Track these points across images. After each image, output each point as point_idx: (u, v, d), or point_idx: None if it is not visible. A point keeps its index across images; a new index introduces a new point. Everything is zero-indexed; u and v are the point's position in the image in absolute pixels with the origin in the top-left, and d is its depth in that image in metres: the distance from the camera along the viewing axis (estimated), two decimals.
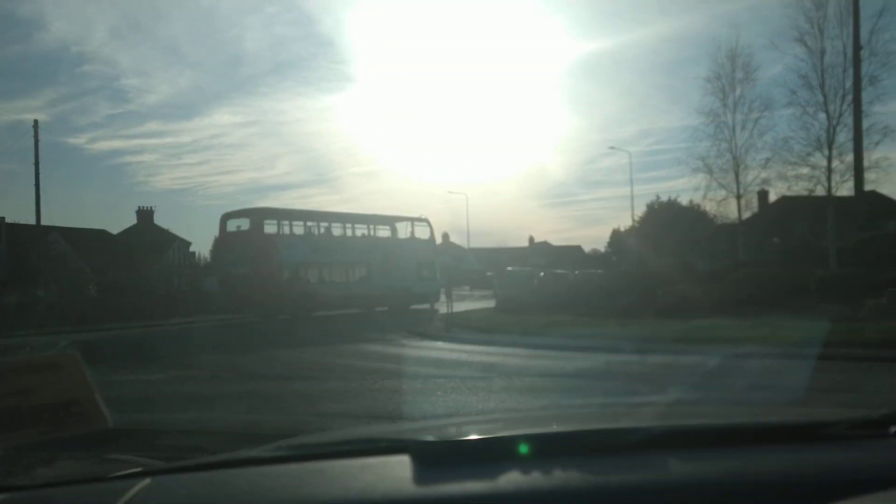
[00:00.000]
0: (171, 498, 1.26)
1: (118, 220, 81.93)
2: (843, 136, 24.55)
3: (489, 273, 49.57)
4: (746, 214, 31.09)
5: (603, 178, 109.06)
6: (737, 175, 28.63)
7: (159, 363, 12.94)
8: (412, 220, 32.09)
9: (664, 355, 11.41)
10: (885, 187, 30.52)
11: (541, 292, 28.07)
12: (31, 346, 15.63)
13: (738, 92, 28.81)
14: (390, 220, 31.74)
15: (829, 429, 1.48)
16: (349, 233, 29.44)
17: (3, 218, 34.55)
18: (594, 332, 14.19)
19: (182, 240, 53.37)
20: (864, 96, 24.03)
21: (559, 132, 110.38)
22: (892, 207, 36.33)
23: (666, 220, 43.37)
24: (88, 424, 1.41)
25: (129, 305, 27.82)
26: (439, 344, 15.31)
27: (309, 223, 28.25)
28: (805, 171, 25.31)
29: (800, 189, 26.12)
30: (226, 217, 27.63)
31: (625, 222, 66.17)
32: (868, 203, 26.76)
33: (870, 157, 24.33)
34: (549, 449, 1.32)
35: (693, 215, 39.84)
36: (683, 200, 44.12)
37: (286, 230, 27.16)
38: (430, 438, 1.42)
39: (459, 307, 23.39)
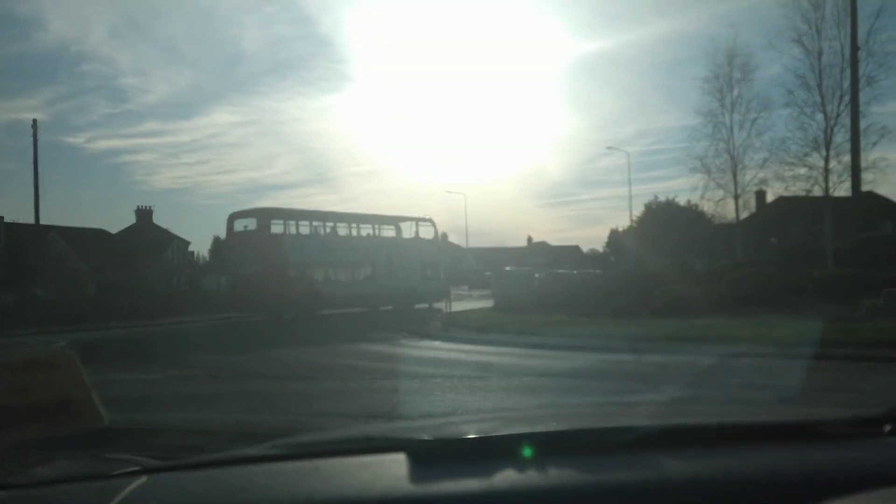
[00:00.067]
0: (166, 496, 1.26)
1: (117, 220, 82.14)
2: (841, 137, 24.66)
3: (487, 273, 49.51)
4: (744, 214, 31.19)
5: (601, 178, 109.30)
6: (734, 175, 28.71)
7: (158, 362, 12.92)
8: (417, 220, 32.22)
9: (661, 355, 11.41)
10: (882, 188, 30.64)
11: (539, 292, 28.05)
12: (30, 345, 15.61)
13: (735, 92, 28.93)
14: (395, 220, 31.87)
15: (823, 427, 1.48)
16: (354, 232, 29.56)
17: (2, 217, 34.58)
18: (592, 332, 14.19)
19: (181, 239, 53.35)
20: (862, 97, 24.15)
21: (557, 132, 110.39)
22: (889, 208, 36.39)
23: (664, 220, 43.41)
24: (85, 423, 1.41)
25: (127, 305, 27.82)
26: (438, 343, 15.30)
27: (315, 223, 28.40)
28: (802, 171, 25.42)
29: (797, 189, 26.22)
30: (233, 217, 27.73)
31: (623, 222, 66.37)
32: (865, 203, 26.80)
33: (867, 157, 24.46)
34: (544, 447, 1.32)
35: (691, 215, 39.86)
36: (681, 200, 44.26)
37: (293, 230, 27.30)
38: (427, 437, 1.42)
39: (458, 307, 23.40)
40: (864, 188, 25.28)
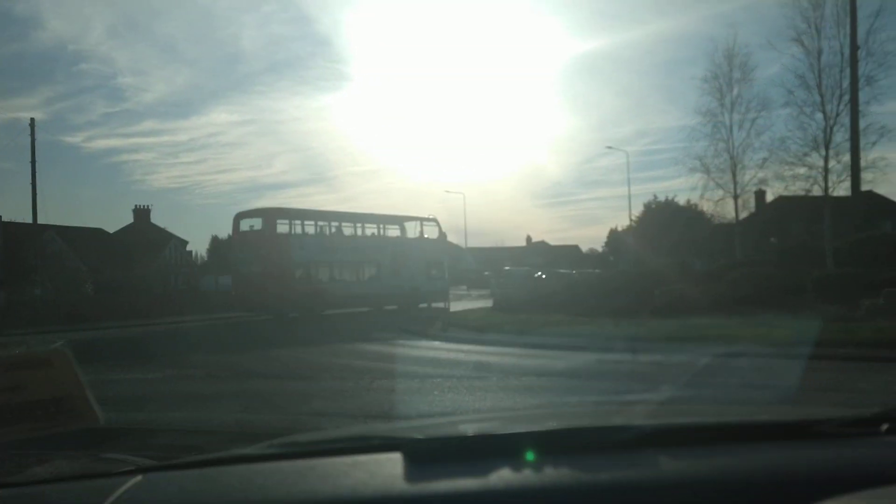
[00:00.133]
0: (162, 495, 1.26)
1: (115, 219, 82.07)
2: (840, 136, 24.66)
3: (486, 272, 49.53)
4: (743, 214, 31.19)
5: (600, 178, 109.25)
6: (734, 175, 28.71)
7: (156, 362, 12.91)
8: (421, 219, 32.26)
9: (660, 354, 11.41)
10: (881, 187, 30.69)
11: (538, 292, 28.06)
12: (28, 345, 15.59)
13: (735, 92, 28.91)
14: (400, 220, 31.89)
15: (821, 427, 1.48)
16: (359, 232, 29.62)
17: (0, 216, 34.52)
18: (591, 332, 14.19)
19: (179, 238, 53.33)
20: (861, 96, 24.14)
21: (556, 132, 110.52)
22: (888, 207, 36.42)
23: (663, 219, 43.42)
24: (79, 421, 1.41)
25: (125, 304, 27.83)
26: (436, 343, 15.30)
27: (320, 223, 28.46)
28: (802, 171, 25.41)
29: (797, 189, 26.22)
30: (239, 217, 27.82)
31: (622, 222, 66.34)
32: (865, 203, 26.80)
33: (866, 157, 24.44)
34: (541, 447, 1.31)
35: (690, 215, 39.90)
36: (681, 200, 44.30)
37: (298, 230, 27.34)
38: (423, 436, 1.42)
39: (457, 306, 23.40)
40: (864, 188, 25.29)
